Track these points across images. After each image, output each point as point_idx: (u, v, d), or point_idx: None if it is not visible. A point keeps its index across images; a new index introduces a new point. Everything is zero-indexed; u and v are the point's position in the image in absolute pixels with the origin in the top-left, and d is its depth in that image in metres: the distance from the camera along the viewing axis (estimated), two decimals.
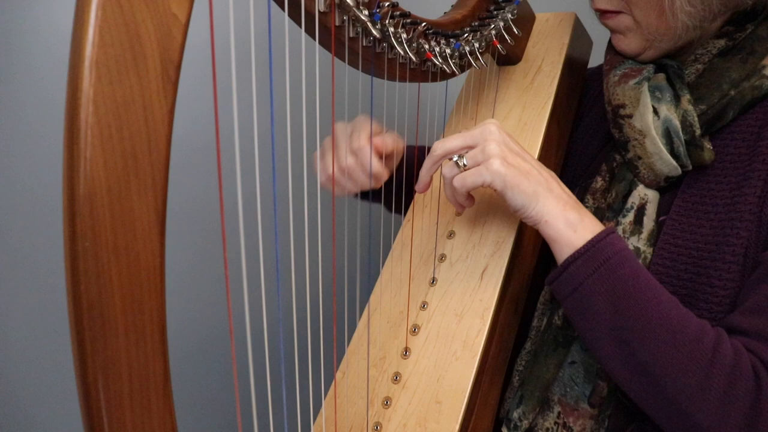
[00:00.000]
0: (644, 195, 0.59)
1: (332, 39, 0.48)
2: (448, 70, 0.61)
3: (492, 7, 0.68)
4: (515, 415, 0.61)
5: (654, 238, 0.58)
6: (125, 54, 0.29)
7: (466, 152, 0.55)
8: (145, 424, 0.32)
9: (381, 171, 0.66)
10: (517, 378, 0.64)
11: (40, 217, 1.03)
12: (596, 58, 0.77)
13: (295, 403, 0.46)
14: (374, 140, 0.65)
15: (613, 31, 0.64)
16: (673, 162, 0.57)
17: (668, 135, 0.57)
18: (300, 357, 0.44)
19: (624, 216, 0.59)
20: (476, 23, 0.65)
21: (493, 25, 0.67)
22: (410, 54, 0.55)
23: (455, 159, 0.55)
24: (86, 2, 0.28)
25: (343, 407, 0.58)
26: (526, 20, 0.78)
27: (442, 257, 0.64)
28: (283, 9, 0.43)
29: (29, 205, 1.03)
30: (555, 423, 0.59)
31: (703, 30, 0.58)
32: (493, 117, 0.72)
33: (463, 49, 0.63)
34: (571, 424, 0.58)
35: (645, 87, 0.59)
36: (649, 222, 0.58)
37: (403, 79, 0.58)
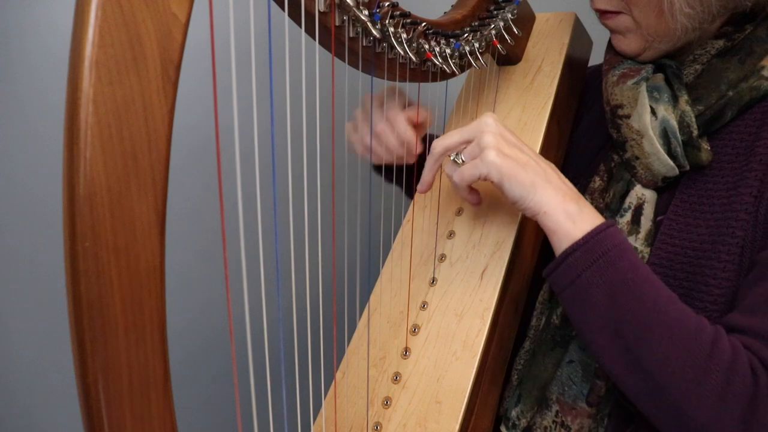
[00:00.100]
0: (642, 195, 0.59)
1: (332, 39, 0.48)
2: (448, 70, 0.61)
3: (492, 7, 0.68)
4: (513, 413, 0.61)
5: (651, 238, 0.58)
6: (125, 54, 0.29)
7: (465, 147, 0.55)
8: (145, 424, 0.32)
9: (413, 140, 0.67)
10: (515, 377, 0.64)
11: (40, 217, 1.03)
12: (596, 58, 0.77)
13: (295, 403, 0.46)
14: (406, 112, 0.67)
15: (612, 31, 0.64)
16: (671, 162, 0.57)
17: (666, 135, 0.57)
18: (300, 357, 0.44)
19: (621, 216, 0.60)
20: (476, 23, 0.65)
21: (493, 25, 0.67)
22: (410, 54, 0.55)
23: (453, 157, 0.55)
24: (86, 2, 0.28)
25: (343, 407, 0.58)
26: (526, 20, 0.78)
27: (442, 257, 0.64)
28: (283, 9, 0.43)
29: (29, 205, 1.03)
30: (553, 422, 0.59)
31: (702, 31, 0.58)
32: None
33: (463, 49, 0.63)
34: (569, 423, 0.58)
35: (643, 87, 0.59)
36: (646, 222, 0.58)
37: (403, 79, 0.58)
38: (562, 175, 0.55)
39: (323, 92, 0.48)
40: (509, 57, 0.75)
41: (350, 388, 0.59)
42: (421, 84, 0.64)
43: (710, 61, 0.59)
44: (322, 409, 0.58)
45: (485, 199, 0.66)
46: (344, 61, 0.52)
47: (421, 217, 0.69)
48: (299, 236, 0.46)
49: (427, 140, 0.75)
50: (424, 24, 0.56)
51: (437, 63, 0.59)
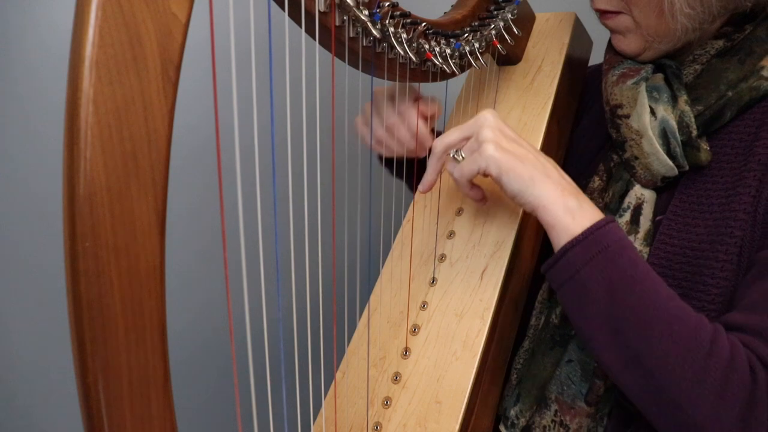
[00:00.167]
0: (641, 195, 0.59)
1: (332, 39, 0.48)
2: (448, 70, 0.61)
3: (492, 7, 0.68)
4: (512, 413, 0.61)
5: (650, 238, 0.58)
6: (125, 54, 0.29)
7: (465, 144, 0.55)
8: (145, 424, 0.32)
9: (426, 132, 0.67)
10: (515, 376, 0.64)
11: (40, 217, 1.03)
12: (596, 58, 0.77)
13: (295, 403, 0.46)
14: (418, 104, 0.67)
15: (612, 31, 0.64)
16: (670, 162, 0.57)
17: (665, 135, 0.57)
18: (300, 357, 0.44)
19: (620, 216, 0.60)
20: (476, 23, 0.65)
21: (493, 25, 0.67)
22: (410, 54, 0.55)
23: (453, 154, 0.55)
24: (86, 2, 0.28)
25: (343, 407, 0.58)
26: (526, 20, 0.78)
27: (442, 257, 0.64)
28: (283, 9, 0.43)
29: (29, 205, 1.03)
30: (552, 421, 0.59)
31: (702, 31, 0.58)
32: None
33: (463, 49, 0.63)
34: (568, 423, 0.58)
35: (643, 87, 0.59)
36: (645, 222, 0.58)
37: (403, 79, 0.58)
38: (561, 171, 0.55)
39: (323, 92, 0.48)
40: (509, 57, 0.75)
41: (350, 388, 0.59)
42: (421, 84, 0.64)
43: (710, 62, 0.59)
44: (322, 409, 0.58)
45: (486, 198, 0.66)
46: (344, 61, 0.52)
47: (421, 217, 0.69)
48: (299, 236, 0.46)
49: (435, 134, 0.75)
50: (424, 24, 0.56)
51: (437, 63, 0.59)
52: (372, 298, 0.65)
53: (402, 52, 0.54)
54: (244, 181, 0.35)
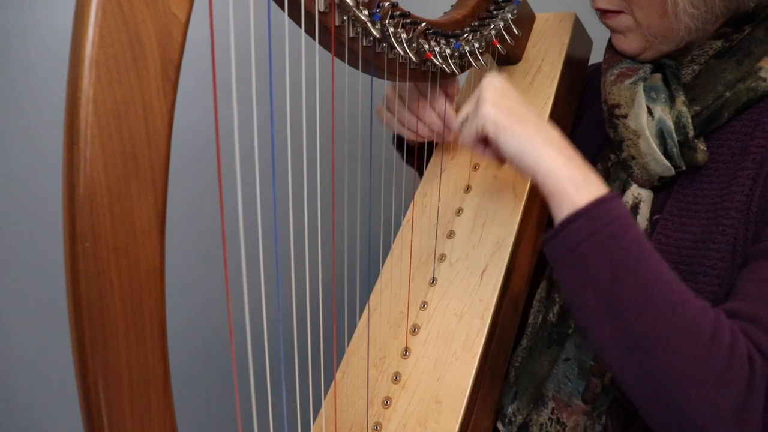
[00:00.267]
0: (638, 194, 0.59)
1: (332, 39, 0.48)
2: (448, 70, 0.61)
3: (492, 7, 0.68)
4: (510, 410, 0.61)
5: (647, 237, 0.58)
6: (125, 54, 0.29)
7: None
8: (145, 424, 0.32)
9: (452, 114, 0.67)
10: (512, 374, 0.64)
11: (40, 217, 1.03)
12: (596, 58, 0.77)
13: (295, 403, 0.46)
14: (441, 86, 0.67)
15: (613, 30, 0.64)
16: (667, 163, 0.57)
17: (662, 136, 0.57)
18: (300, 357, 0.44)
19: None
20: (476, 23, 0.65)
21: (493, 25, 0.67)
22: (410, 54, 0.55)
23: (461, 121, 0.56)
24: (86, 2, 0.28)
25: (343, 407, 0.58)
26: (526, 20, 0.78)
27: (442, 257, 0.64)
28: (283, 9, 0.43)
29: (29, 205, 1.03)
30: (549, 418, 0.59)
31: (704, 31, 0.58)
32: None
33: (463, 49, 0.63)
34: (565, 420, 0.58)
35: (640, 87, 0.59)
36: (642, 221, 0.58)
37: (403, 79, 0.58)
38: (568, 141, 0.52)
39: (323, 92, 0.48)
40: (509, 57, 0.75)
41: (350, 388, 0.59)
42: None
43: (708, 62, 0.59)
44: (322, 409, 0.58)
45: (485, 199, 0.66)
46: (344, 61, 0.52)
47: (421, 217, 0.69)
48: (299, 236, 0.46)
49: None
50: (424, 24, 0.56)
51: (437, 63, 0.59)
52: (372, 298, 0.65)
53: (402, 52, 0.54)
54: (244, 181, 0.35)
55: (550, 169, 0.49)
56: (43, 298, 1.05)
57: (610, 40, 0.66)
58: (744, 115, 0.56)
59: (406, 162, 0.83)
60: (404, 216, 0.72)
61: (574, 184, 0.48)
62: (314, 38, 0.48)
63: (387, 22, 0.52)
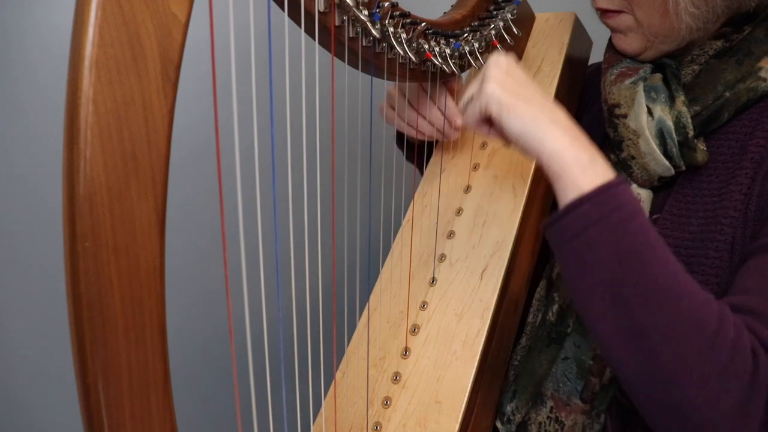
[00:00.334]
0: (637, 194, 0.60)
1: (332, 39, 0.48)
2: (447, 70, 0.61)
3: (492, 7, 0.68)
4: (508, 409, 0.61)
5: None
6: (125, 54, 0.29)
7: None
8: (145, 424, 0.32)
9: (456, 111, 0.66)
10: (512, 372, 0.64)
11: (40, 217, 1.03)
12: (596, 57, 0.77)
13: (295, 403, 0.46)
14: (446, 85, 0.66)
15: (613, 30, 0.64)
16: (666, 163, 0.57)
17: (662, 136, 0.57)
18: (300, 357, 0.44)
19: None
20: (476, 23, 0.65)
21: (492, 25, 0.67)
22: (410, 54, 0.55)
23: (465, 101, 0.55)
24: (86, 2, 0.28)
25: (343, 407, 0.58)
26: (525, 20, 0.78)
27: (442, 257, 0.64)
28: (283, 9, 0.43)
29: (29, 205, 1.03)
30: (547, 417, 0.59)
31: (705, 31, 0.58)
32: None
33: (463, 49, 0.63)
34: (563, 419, 0.58)
35: (640, 87, 0.59)
36: None
37: (402, 79, 0.58)
38: (575, 123, 0.51)
39: (323, 92, 0.48)
40: None
41: (350, 388, 0.59)
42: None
43: (708, 62, 0.59)
44: (322, 409, 0.58)
45: (486, 199, 0.66)
46: (344, 61, 0.52)
47: (421, 217, 0.69)
48: (299, 236, 0.46)
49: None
50: (423, 24, 0.56)
51: (437, 63, 0.59)
52: (372, 298, 0.65)
53: (402, 52, 0.54)
54: (243, 181, 0.35)
55: (555, 150, 0.47)
56: (43, 298, 1.05)
57: (610, 40, 0.66)
58: (744, 115, 0.56)
59: (407, 159, 0.83)
60: (404, 216, 0.72)
61: (580, 165, 0.46)
62: (314, 38, 0.48)
63: (387, 22, 0.52)
